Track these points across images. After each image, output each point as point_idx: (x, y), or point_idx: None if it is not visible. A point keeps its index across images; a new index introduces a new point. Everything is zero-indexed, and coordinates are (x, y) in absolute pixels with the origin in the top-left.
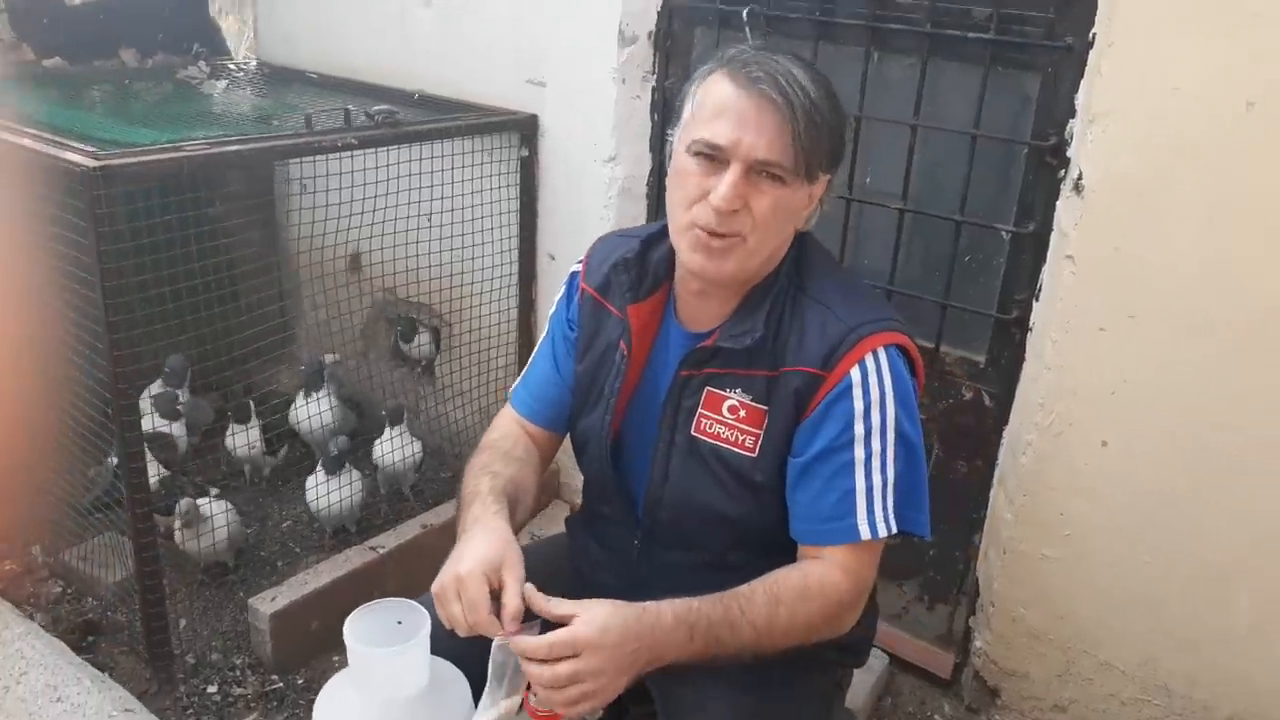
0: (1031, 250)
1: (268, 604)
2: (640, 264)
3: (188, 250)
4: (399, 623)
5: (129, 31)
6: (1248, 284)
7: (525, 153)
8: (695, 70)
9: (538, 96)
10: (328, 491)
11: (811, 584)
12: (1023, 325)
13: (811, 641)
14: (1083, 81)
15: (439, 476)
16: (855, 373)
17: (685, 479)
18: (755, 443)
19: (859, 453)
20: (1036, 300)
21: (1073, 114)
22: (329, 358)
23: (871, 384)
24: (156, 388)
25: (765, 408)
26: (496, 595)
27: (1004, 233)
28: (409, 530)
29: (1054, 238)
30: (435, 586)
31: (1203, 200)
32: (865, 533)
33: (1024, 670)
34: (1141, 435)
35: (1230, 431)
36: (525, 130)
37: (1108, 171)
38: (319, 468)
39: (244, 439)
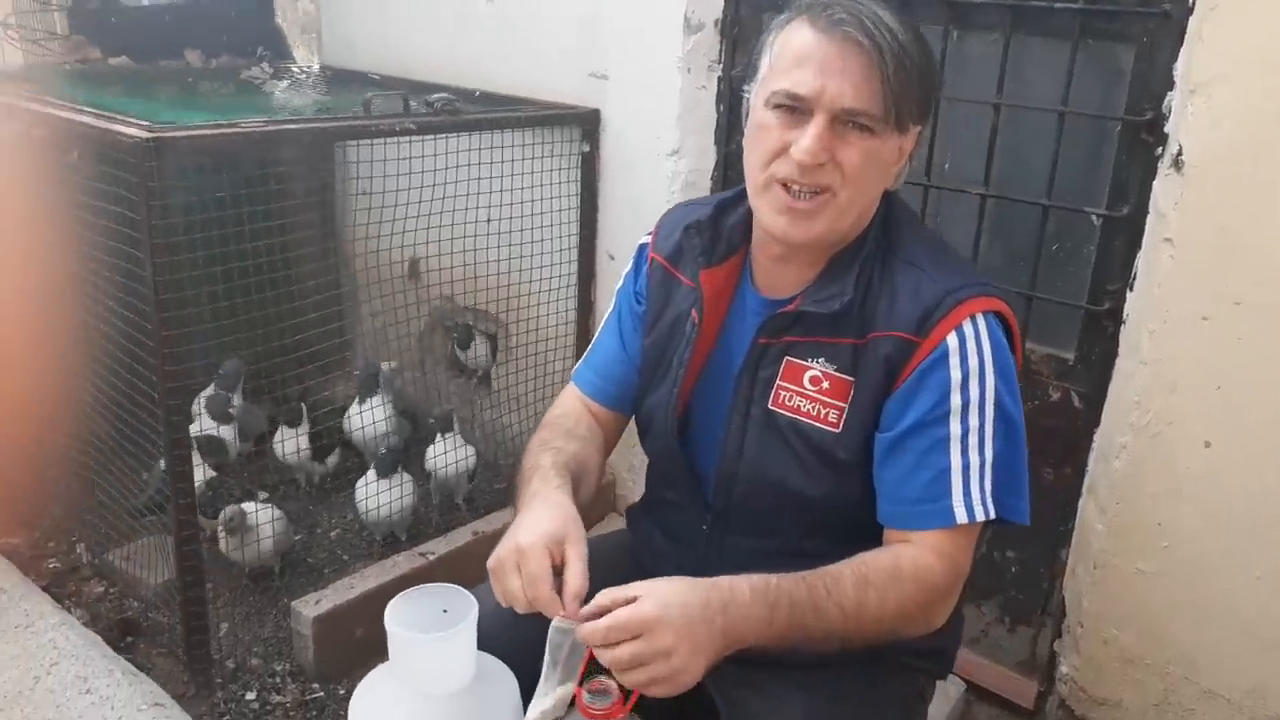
0: (1125, 235)
1: (311, 607)
2: (714, 227)
3: (243, 248)
4: (445, 611)
5: (194, 33)
6: None
7: (586, 148)
8: (771, 22)
9: (600, 90)
10: (378, 494)
11: (904, 566)
12: (1116, 317)
13: (902, 632)
14: (1182, 50)
15: (493, 488)
16: (952, 339)
17: (761, 455)
18: (839, 417)
19: (955, 428)
20: (1131, 290)
21: (1171, 86)
22: (386, 365)
23: (970, 352)
24: (209, 391)
25: (851, 379)
26: (558, 571)
27: (1095, 217)
28: (460, 537)
29: (1150, 220)
30: (492, 560)
31: None
32: (961, 516)
33: (1116, 698)
34: (1250, 434)
35: None
36: (587, 125)
37: (1211, 146)
38: (370, 470)
39: (293, 443)
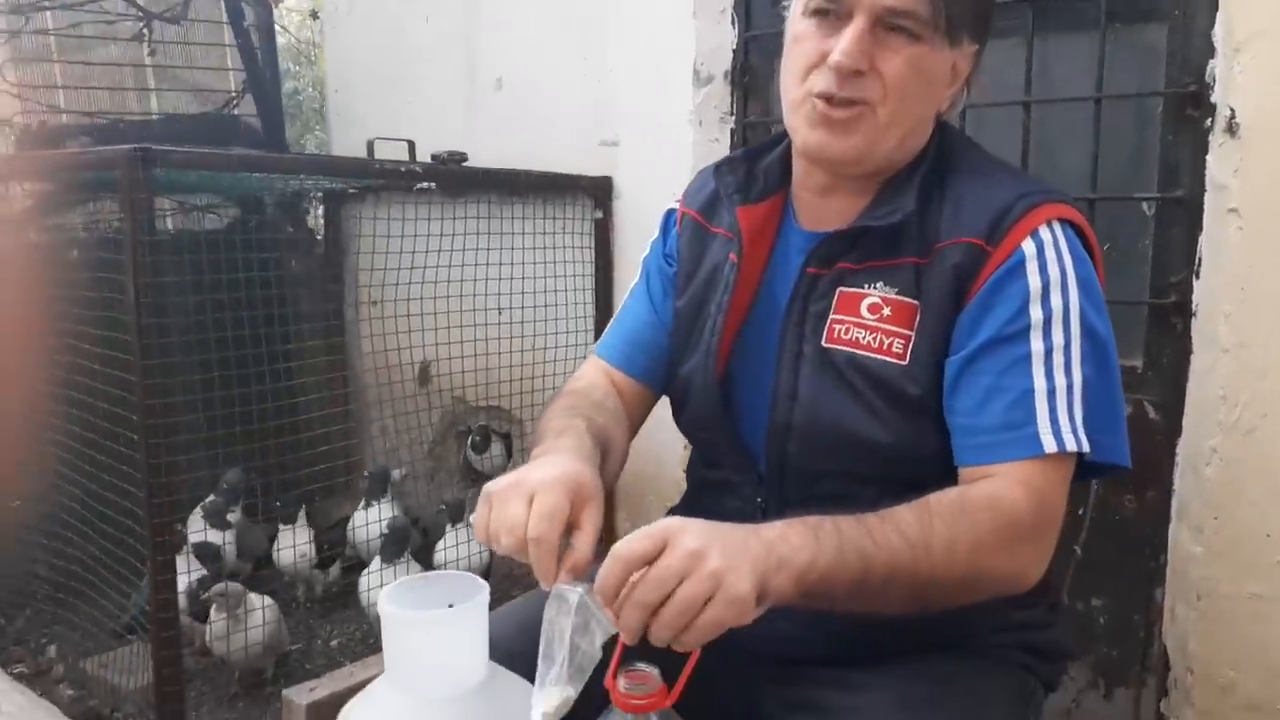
0: (1183, 221)
1: (305, 694)
2: (747, 165)
3: (243, 353)
4: (450, 606)
5: (200, 141)
6: None
7: (599, 214)
8: None
9: (611, 158)
10: (383, 585)
11: (974, 496)
12: (1184, 311)
13: (987, 577)
14: (1218, 14)
15: (509, 594)
16: (1029, 245)
17: (817, 397)
18: (905, 347)
19: (1037, 344)
20: (1197, 277)
21: (1210, 54)
22: (396, 472)
23: (1050, 260)
24: (209, 501)
25: (916, 302)
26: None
27: (1146, 205)
28: None
29: (1209, 198)
30: (491, 485)
31: None
32: (1050, 444)
33: None
34: None
35: None
36: (599, 192)
37: (1265, 103)
38: (375, 560)
39: (294, 549)
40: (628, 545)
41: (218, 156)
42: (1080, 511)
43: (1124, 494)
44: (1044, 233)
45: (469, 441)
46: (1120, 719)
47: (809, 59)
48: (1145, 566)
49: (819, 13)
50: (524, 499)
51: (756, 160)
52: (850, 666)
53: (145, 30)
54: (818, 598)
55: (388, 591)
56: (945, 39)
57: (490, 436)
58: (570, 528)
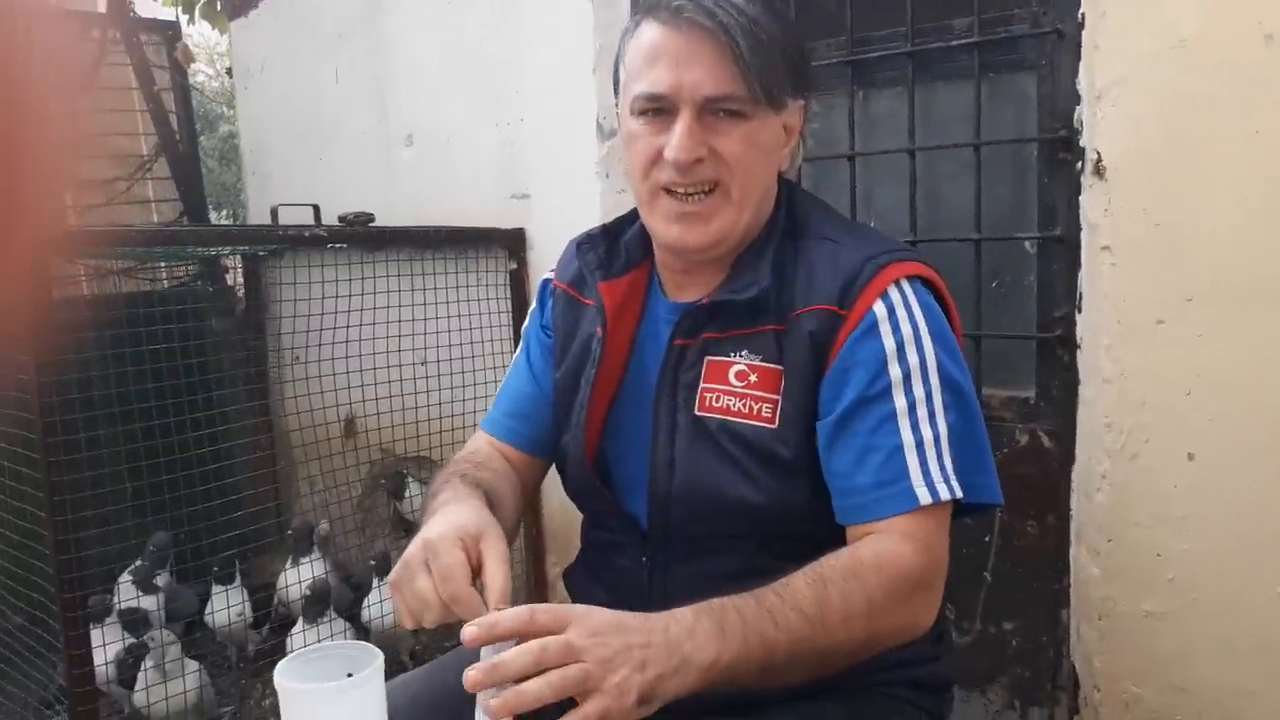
0: (1063, 258)
1: None
2: (608, 242)
3: (166, 421)
4: (350, 675)
5: None
6: None
7: (514, 265)
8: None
9: (523, 210)
10: (306, 645)
11: (863, 557)
12: (1069, 343)
13: (885, 633)
14: (1081, 63)
15: (442, 645)
16: (879, 307)
17: (694, 465)
18: (773, 410)
19: (900, 401)
20: (1079, 310)
21: (1077, 100)
22: (322, 525)
23: (900, 318)
24: (135, 565)
25: (779, 367)
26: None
27: (1029, 244)
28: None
29: (1084, 235)
30: (393, 573)
31: (1237, 151)
32: (924, 496)
33: None
34: (1231, 436)
35: None
36: (512, 244)
37: (1127, 146)
38: (299, 621)
39: (224, 603)
40: (545, 611)
41: (116, 233)
42: (987, 539)
43: (1026, 520)
44: (893, 293)
45: (388, 490)
46: None
47: (648, 156)
48: (1050, 589)
49: (645, 112)
50: (423, 570)
51: (618, 235)
52: (738, 717)
53: None
54: (723, 685)
55: (283, 665)
56: (769, 109)
57: (406, 481)
58: (479, 570)
